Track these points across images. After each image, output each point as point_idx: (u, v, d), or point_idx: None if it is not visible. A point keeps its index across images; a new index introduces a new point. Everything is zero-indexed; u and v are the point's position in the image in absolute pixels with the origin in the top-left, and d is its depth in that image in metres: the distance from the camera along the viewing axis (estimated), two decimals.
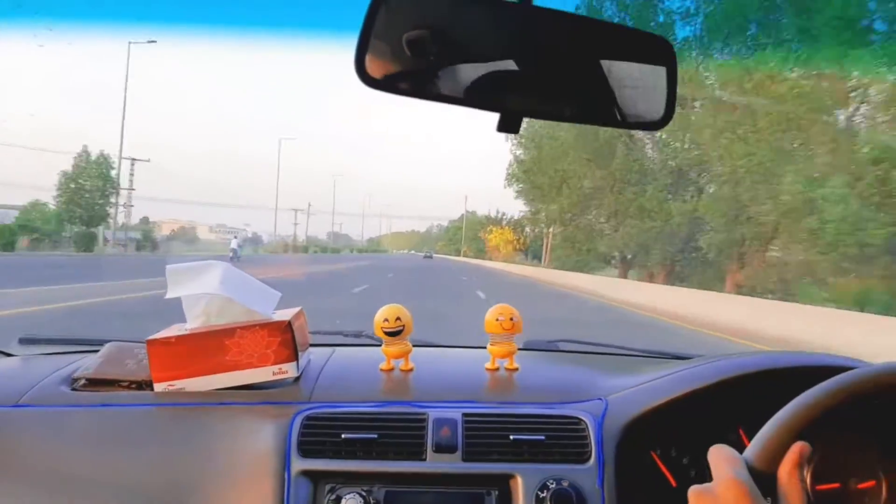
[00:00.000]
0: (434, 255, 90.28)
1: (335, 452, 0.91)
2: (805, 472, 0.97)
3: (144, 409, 0.99)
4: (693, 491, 0.55)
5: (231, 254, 25.35)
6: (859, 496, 0.95)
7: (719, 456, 0.57)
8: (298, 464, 0.90)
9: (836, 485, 0.96)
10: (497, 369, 1.13)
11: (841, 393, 0.60)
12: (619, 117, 0.73)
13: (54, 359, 1.18)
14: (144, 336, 1.07)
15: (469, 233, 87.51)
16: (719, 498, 0.53)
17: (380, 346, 1.12)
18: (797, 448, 0.56)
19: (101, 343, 1.16)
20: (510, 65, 0.66)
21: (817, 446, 0.97)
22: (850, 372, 0.61)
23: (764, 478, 0.56)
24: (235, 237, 32.29)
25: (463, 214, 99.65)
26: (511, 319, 1.11)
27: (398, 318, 1.09)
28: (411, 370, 1.11)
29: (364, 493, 0.88)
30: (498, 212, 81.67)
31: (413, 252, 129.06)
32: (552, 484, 0.88)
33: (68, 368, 1.10)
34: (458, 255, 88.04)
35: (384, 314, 1.09)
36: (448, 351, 1.37)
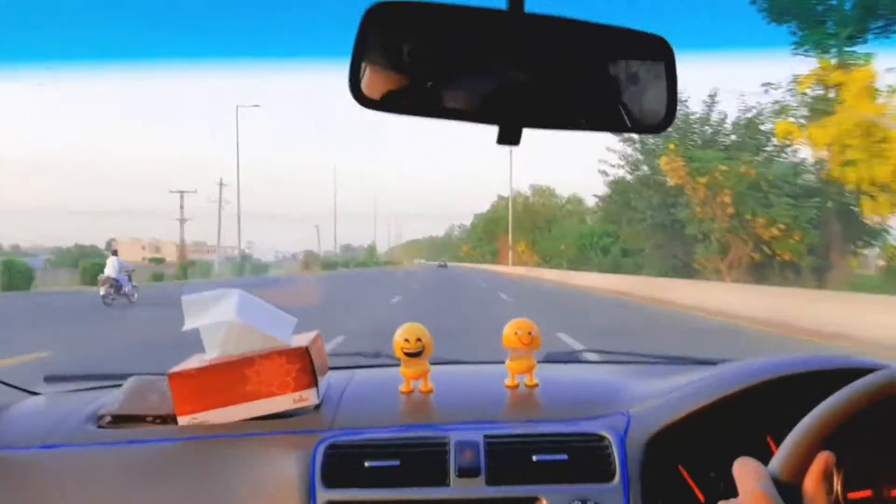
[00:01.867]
0: (448, 264, 79.25)
1: (359, 481, 0.91)
2: (835, 479, 0.95)
3: (169, 444, 0.99)
4: None
5: (104, 289, 14.22)
6: (893, 503, 0.93)
7: (744, 469, 0.56)
8: (324, 495, 0.90)
9: (868, 492, 0.94)
10: (517, 386, 1.12)
11: (866, 397, 0.58)
12: (620, 122, 0.71)
13: (79, 396, 1.19)
14: (165, 368, 1.08)
15: (526, 222, 60.78)
16: None
17: (398, 365, 1.12)
18: (822, 458, 0.56)
19: (124, 377, 1.18)
20: (506, 76, 0.64)
21: (848, 452, 0.95)
22: (874, 374, 0.59)
23: (790, 490, 0.55)
24: (115, 254, 15.50)
25: (501, 201, 72.74)
26: (530, 334, 1.10)
27: (419, 339, 1.08)
28: (431, 391, 1.10)
29: None
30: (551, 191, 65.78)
31: (422, 262, 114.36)
32: None
33: (93, 405, 1.11)
34: (492, 260, 69.34)
35: (404, 334, 1.09)
36: (467, 368, 1.37)
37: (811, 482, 0.55)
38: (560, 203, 66.98)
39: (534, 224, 61.10)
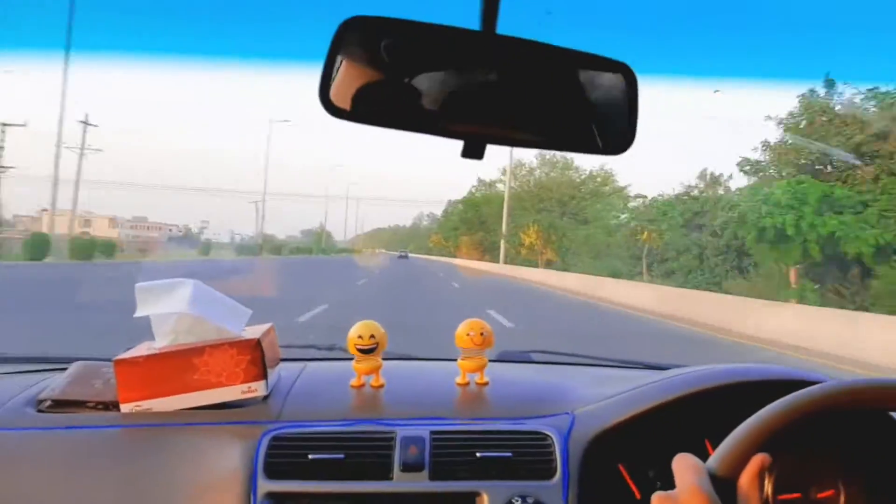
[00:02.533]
0: (410, 256, 72.38)
1: (302, 473, 0.91)
2: (766, 481, 0.99)
3: (110, 430, 0.98)
4: (656, 497, 0.57)
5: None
6: None
7: (683, 464, 0.58)
8: (265, 485, 0.90)
9: (797, 494, 0.98)
10: (467, 384, 1.13)
11: (802, 408, 0.61)
12: (582, 142, 0.74)
13: (20, 378, 1.16)
14: (112, 353, 1.06)
15: (530, 205, 46.89)
16: None
17: (352, 359, 1.13)
18: (758, 459, 0.58)
19: (69, 361, 1.15)
20: (473, 93, 0.67)
21: (779, 457, 0.99)
22: (812, 387, 0.63)
23: (725, 486, 0.57)
24: None
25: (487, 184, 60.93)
26: (482, 334, 1.12)
27: (372, 336, 1.09)
28: (382, 386, 1.11)
29: None
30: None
31: (383, 251, 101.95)
32: (517, 501, 0.89)
33: (34, 389, 1.08)
34: (473, 254, 54.20)
35: (358, 331, 1.10)
36: (420, 364, 1.38)
37: (746, 480, 0.58)
38: (578, 179, 50.03)
39: (541, 207, 46.45)
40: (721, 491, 0.56)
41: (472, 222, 60.13)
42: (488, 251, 52.06)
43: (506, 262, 39.79)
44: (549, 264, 37.64)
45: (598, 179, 49.29)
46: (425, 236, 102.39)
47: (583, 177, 50.55)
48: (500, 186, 58.13)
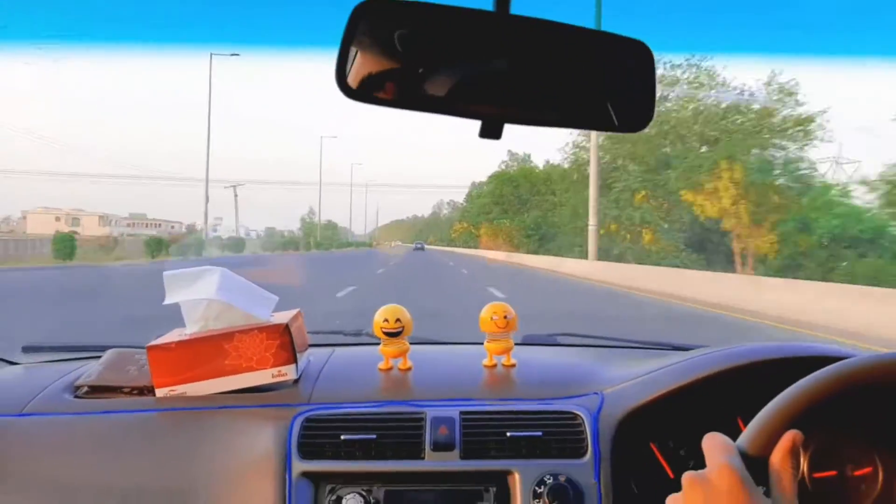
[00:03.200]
0: (426, 247, 72.39)
1: (335, 453, 0.93)
2: (801, 459, 0.98)
3: (146, 414, 1.00)
4: (686, 477, 0.56)
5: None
6: (856, 483, 0.96)
7: (713, 443, 0.58)
8: (299, 465, 0.91)
9: (833, 472, 0.97)
10: (494, 366, 1.14)
11: (834, 383, 0.60)
12: (600, 120, 0.74)
13: (57, 366, 1.19)
14: (145, 341, 1.08)
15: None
16: (712, 484, 0.54)
17: (379, 344, 1.14)
18: (790, 436, 0.57)
19: (103, 349, 1.18)
20: (490, 73, 0.67)
21: (815, 435, 0.98)
22: (843, 362, 0.61)
23: (757, 465, 0.56)
24: None
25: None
26: (505, 317, 1.12)
27: (398, 320, 1.10)
28: (409, 369, 1.12)
29: (364, 493, 0.89)
30: None
31: (398, 244, 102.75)
32: (549, 479, 0.90)
33: (71, 376, 1.11)
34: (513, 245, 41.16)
35: (384, 314, 1.11)
36: (446, 348, 1.38)
37: (778, 457, 0.56)
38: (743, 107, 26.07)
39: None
40: (753, 469, 0.55)
41: (510, 202, 47.24)
42: (538, 241, 39.65)
43: (598, 258, 20.81)
44: (761, 263, 21.62)
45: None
46: (446, 226, 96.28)
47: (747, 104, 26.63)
48: (537, 160, 48.13)
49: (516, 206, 45.82)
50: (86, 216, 60.68)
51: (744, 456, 0.56)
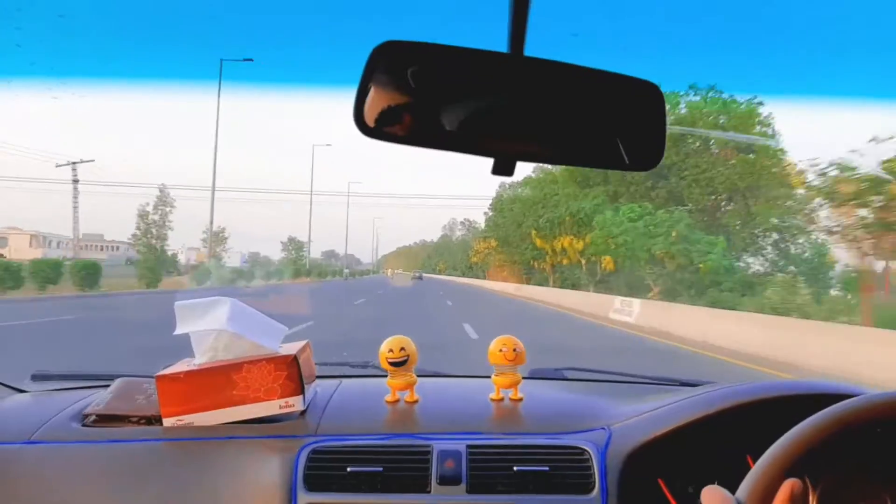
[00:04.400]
0: (424, 276, 64.59)
1: (341, 486, 0.92)
2: (811, 499, 0.96)
3: (153, 444, 1.00)
4: None
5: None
6: None
7: (712, 499, 0.57)
8: (305, 497, 0.91)
9: None
10: (501, 399, 1.13)
11: (831, 426, 0.59)
12: (611, 160, 0.76)
13: (66, 395, 1.20)
14: (153, 370, 1.09)
15: None
16: None
17: (386, 376, 1.14)
18: (788, 486, 0.56)
19: (112, 378, 1.18)
20: (504, 112, 0.69)
21: (822, 474, 0.97)
22: (841, 403, 0.60)
23: None
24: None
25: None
26: (514, 350, 1.12)
27: (402, 349, 1.11)
28: (416, 402, 1.11)
29: None
30: None
31: (400, 272, 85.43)
32: None
33: (79, 404, 1.11)
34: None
35: (388, 345, 1.11)
36: (453, 381, 1.38)
37: None
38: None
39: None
40: None
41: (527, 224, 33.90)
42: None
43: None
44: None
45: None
46: (458, 250, 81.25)
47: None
48: None
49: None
50: (16, 235, 49.90)
51: None
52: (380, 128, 0.66)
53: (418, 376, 1.14)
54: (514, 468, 0.94)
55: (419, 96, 0.67)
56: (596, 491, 0.92)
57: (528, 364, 1.20)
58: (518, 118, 0.69)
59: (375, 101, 0.66)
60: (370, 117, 0.66)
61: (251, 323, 1.14)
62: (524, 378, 1.18)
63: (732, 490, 0.58)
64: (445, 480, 0.92)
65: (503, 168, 0.68)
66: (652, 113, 0.74)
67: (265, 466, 0.95)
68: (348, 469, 0.93)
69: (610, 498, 0.91)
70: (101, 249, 57.04)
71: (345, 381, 1.28)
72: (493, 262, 48.81)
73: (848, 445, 0.93)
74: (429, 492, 0.92)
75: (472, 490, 0.92)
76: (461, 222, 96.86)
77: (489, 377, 1.16)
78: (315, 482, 0.92)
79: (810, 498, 0.96)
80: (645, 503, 0.96)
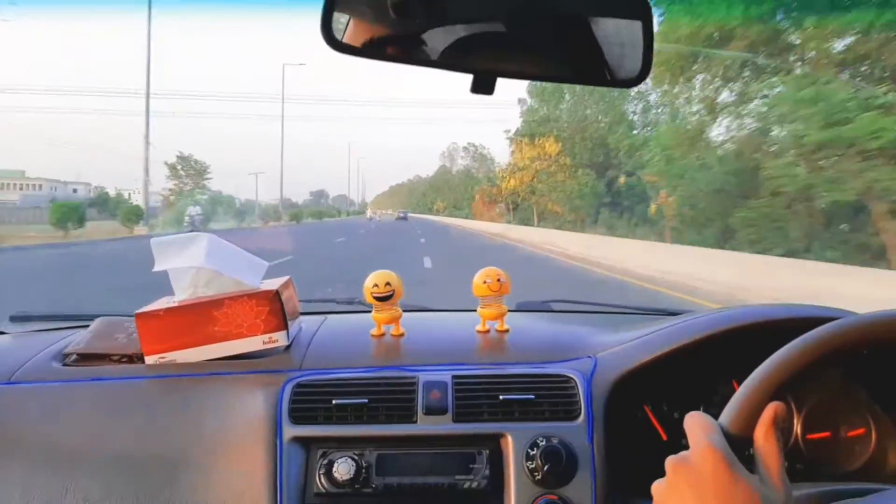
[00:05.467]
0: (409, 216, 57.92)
1: (326, 418, 0.92)
2: (795, 421, 0.98)
3: (135, 381, 0.99)
4: (670, 461, 0.55)
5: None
6: (849, 444, 0.97)
7: (694, 423, 0.56)
8: (290, 430, 0.91)
9: (826, 434, 0.97)
10: (488, 331, 1.13)
11: (814, 349, 0.57)
12: (596, 75, 0.72)
13: (46, 335, 1.18)
14: (134, 309, 1.07)
15: None
16: (696, 467, 0.52)
17: (371, 311, 1.13)
18: (771, 409, 0.55)
19: (92, 318, 1.17)
20: (481, 25, 0.65)
21: (808, 396, 0.98)
22: (824, 326, 0.59)
23: (741, 442, 0.55)
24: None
25: None
26: (498, 280, 1.11)
27: (388, 283, 1.09)
28: (402, 335, 1.11)
29: (356, 457, 0.89)
30: None
31: (382, 212, 79.62)
32: (542, 441, 0.89)
33: (59, 344, 1.10)
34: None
35: (373, 280, 1.09)
36: (439, 315, 1.38)
37: (761, 433, 0.55)
38: None
39: None
40: (736, 447, 0.54)
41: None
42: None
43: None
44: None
45: None
46: (461, 184, 67.29)
47: None
48: None
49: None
50: None
51: (727, 434, 0.55)
52: (349, 43, 0.62)
53: (404, 311, 1.13)
54: (500, 397, 0.94)
55: (391, 9, 0.63)
56: (582, 418, 0.93)
57: None
58: (496, 33, 0.65)
59: (343, 14, 0.62)
60: (339, 32, 0.62)
61: (231, 259, 1.12)
62: (510, 311, 1.17)
63: (719, 416, 0.57)
64: (431, 410, 0.93)
65: (483, 86, 0.64)
66: (639, 26, 0.69)
67: (249, 401, 0.94)
68: (333, 402, 0.93)
69: (596, 424, 0.92)
70: (21, 189, 47.36)
71: (330, 317, 1.27)
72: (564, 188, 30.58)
73: (831, 369, 0.94)
74: (415, 422, 0.92)
75: (457, 419, 0.92)
76: (464, 148, 75.21)
77: (475, 310, 1.15)
78: (300, 415, 0.92)
79: (795, 420, 0.98)
80: (631, 429, 0.97)
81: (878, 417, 0.97)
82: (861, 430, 0.97)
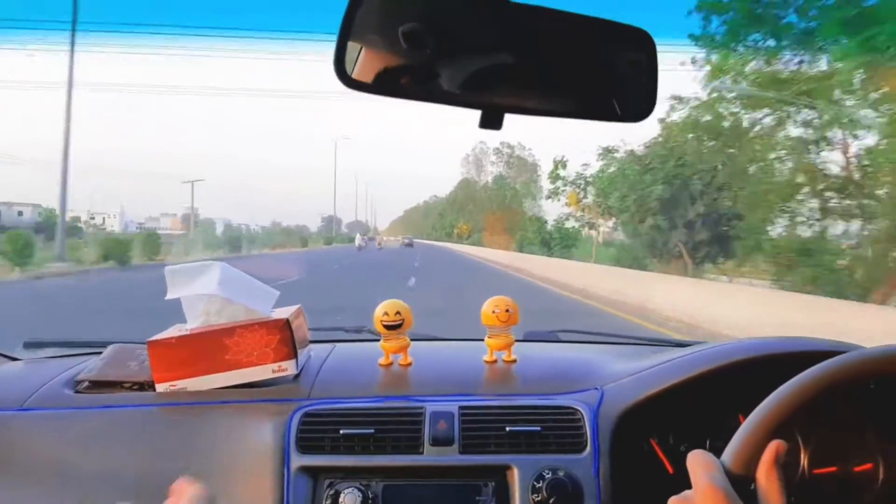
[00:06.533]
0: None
1: (334, 448, 0.93)
2: (802, 456, 0.97)
3: (146, 409, 1.00)
4: (672, 501, 0.55)
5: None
6: (856, 479, 0.96)
7: (696, 462, 0.56)
8: (297, 460, 0.91)
9: (833, 468, 0.96)
10: (495, 361, 1.13)
11: (816, 385, 0.57)
12: (602, 111, 0.73)
13: (58, 362, 1.20)
14: (146, 337, 1.08)
15: None
16: None
17: (379, 340, 1.13)
18: (773, 447, 0.56)
19: (104, 345, 1.18)
20: (490, 62, 0.66)
21: (815, 430, 0.98)
22: (823, 363, 0.59)
23: (743, 480, 0.55)
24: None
25: None
26: (507, 311, 1.11)
27: (398, 312, 1.10)
28: (410, 364, 1.11)
29: (362, 488, 0.89)
30: None
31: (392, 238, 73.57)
32: (548, 474, 0.89)
33: (72, 371, 1.11)
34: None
35: (384, 308, 1.11)
36: (447, 344, 1.38)
37: (763, 471, 0.55)
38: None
39: None
40: (738, 486, 0.54)
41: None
42: None
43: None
44: None
45: None
46: (489, 198, 52.98)
47: None
48: None
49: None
50: None
51: (729, 473, 0.55)
52: (360, 80, 0.64)
53: (412, 340, 1.14)
54: (507, 428, 0.94)
55: (401, 46, 0.64)
56: (588, 450, 0.93)
57: None
58: (505, 69, 0.67)
59: (355, 51, 0.63)
60: (350, 68, 0.63)
61: (243, 287, 1.13)
62: (518, 340, 1.17)
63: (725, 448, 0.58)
64: (438, 441, 0.93)
65: (491, 121, 0.65)
66: (644, 61, 0.71)
67: (258, 430, 0.95)
68: (341, 431, 0.93)
69: (602, 457, 0.92)
70: None
71: (339, 345, 1.28)
72: None
73: (839, 403, 0.94)
74: (421, 452, 0.92)
75: (464, 450, 0.93)
76: (495, 150, 57.31)
77: (483, 339, 1.16)
78: (308, 444, 0.93)
79: (801, 455, 0.97)
80: (637, 462, 0.97)
81: (886, 453, 0.96)
82: (869, 466, 0.96)
